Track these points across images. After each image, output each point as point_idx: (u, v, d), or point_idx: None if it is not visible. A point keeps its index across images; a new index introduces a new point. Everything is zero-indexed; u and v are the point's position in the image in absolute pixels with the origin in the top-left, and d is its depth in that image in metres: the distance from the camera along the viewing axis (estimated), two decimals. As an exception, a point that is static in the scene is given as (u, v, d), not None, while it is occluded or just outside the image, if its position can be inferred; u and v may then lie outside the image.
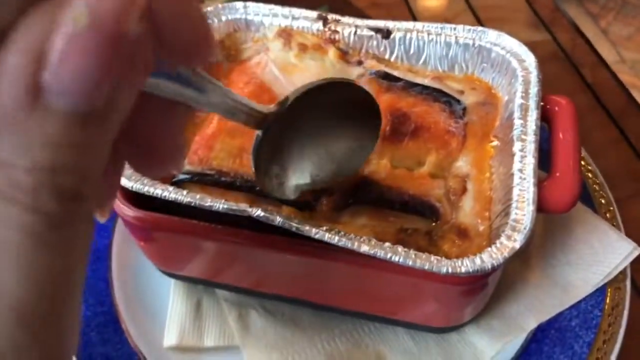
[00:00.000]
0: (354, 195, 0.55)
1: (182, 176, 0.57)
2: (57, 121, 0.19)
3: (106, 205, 0.30)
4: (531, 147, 0.54)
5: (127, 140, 0.26)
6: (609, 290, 0.63)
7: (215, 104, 0.33)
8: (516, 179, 0.52)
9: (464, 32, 0.65)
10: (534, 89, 0.58)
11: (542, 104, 0.59)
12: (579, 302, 0.63)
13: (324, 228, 0.50)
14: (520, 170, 0.52)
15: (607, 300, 0.62)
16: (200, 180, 0.56)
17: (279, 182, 0.49)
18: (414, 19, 1.09)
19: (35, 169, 0.19)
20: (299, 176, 0.50)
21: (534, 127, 0.55)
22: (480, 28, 0.65)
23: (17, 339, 0.21)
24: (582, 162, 0.75)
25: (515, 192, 0.51)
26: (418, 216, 0.54)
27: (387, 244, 0.49)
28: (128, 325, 0.63)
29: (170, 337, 0.62)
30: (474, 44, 0.64)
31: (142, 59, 0.22)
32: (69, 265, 0.22)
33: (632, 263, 0.64)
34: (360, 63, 0.68)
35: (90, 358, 0.60)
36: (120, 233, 0.69)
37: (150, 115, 0.28)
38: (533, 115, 0.56)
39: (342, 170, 0.53)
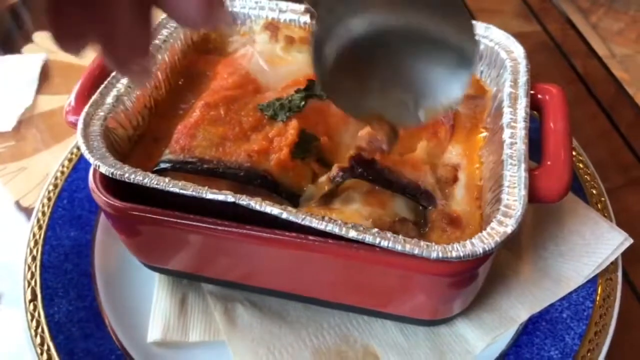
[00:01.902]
0: (353, 170, 0.53)
1: (163, 165, 0.55)
2: None
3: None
4: (521, 133, 0.53)
5: None
6: (600, 281, 0.62)
7: None
8: (507, 165, 0.51)
9: None
10: (522, 78, 0.57)
11: (532, 92, 0.58)
12: (570, 293, 0.62)
13: (310, 214, 0.48)
14: (511, 157, 0.51)
15: (599, 291, 0.62)
16: (182, 169, 0.55)
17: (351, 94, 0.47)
18: (404, 9, 1.07)
19: None
20: (372, 98, 0.48)
21: (523, 115, 0.54)
22: None
23: None
24: (574, 153, 0.74)
25: (506, 177, 0.50)
26: (414, 201, 0.53)
27: (375, 229, 0.48)
28: (111, 319, 0.62)
29: (154, 332, 0.61)
30: None
31: None
32: None
33: (624, 254, 0.64)
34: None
35: (72, 353, 0.58)
36: (103, 228, 0.68)
37: None
38: (522, 103, 0.55)
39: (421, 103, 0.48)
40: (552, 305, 0.61)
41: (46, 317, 0.60)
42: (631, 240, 0.63)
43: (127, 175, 0.51)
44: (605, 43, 1.01)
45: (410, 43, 0.45)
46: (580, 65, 0.96)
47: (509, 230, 0.47)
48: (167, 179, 0.51)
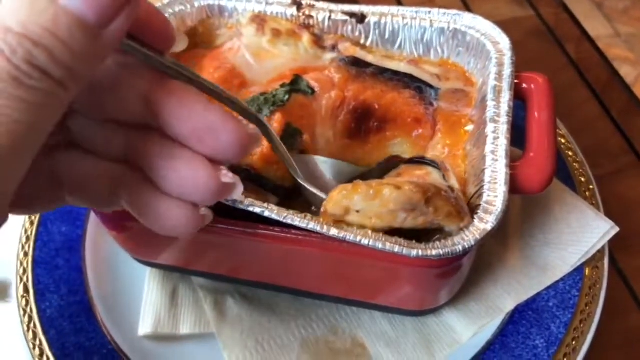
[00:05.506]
0: None
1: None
2: (55, 14, 0.29)
3: None
4: (504, 128, 0.53)
5: None
6: (587, 269, 0.63)
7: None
8: (488, 161, 0.51)
9: (439, 16, 0.64)
10: (507, 70, 0.57)
11: (517, 82, 0.58)
12: (557, 282, 0.62)
13: (292, 212, 0.49)
14: (493, 152, 0.51)
15: (585, 280, 0.62)
16: None
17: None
18: (396, -4, 1.07)
19: (23, 36, 0.28)
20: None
21: (506, 109, 0.54)
22: (455, 11, 0.63)
23: None
24: (563, 140, 0.74)
25: (488, 173, 0.50)
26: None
27: (355, 227, 0.48)
28: (102, 314, 0.62)
29: (145, 325, 0.62)
30: (449, 28, 0.63)
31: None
32: (27, 123, 0.29)
33: (612, 241, 0.64)
34: (334, 47, 0.67)
35: (64, 348, 0.59)
36: (94, 222, 0.68)
37: None
38: (506, 97, 0.55)
39: None
40: (538, 294, 0.62)
41: (38, 312, 0.61)
42: (617, 229, 0.63)
43: None
44: (610, 22, 1.00)
45: None
46: (573, 51, 0.95)
47: (489, 227, 0.47)
48: None
